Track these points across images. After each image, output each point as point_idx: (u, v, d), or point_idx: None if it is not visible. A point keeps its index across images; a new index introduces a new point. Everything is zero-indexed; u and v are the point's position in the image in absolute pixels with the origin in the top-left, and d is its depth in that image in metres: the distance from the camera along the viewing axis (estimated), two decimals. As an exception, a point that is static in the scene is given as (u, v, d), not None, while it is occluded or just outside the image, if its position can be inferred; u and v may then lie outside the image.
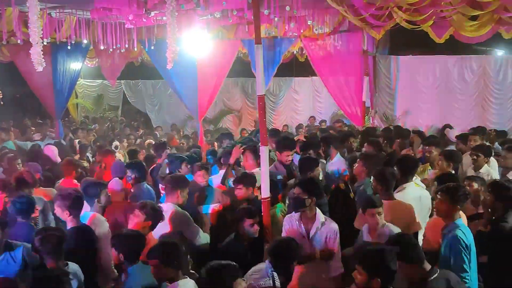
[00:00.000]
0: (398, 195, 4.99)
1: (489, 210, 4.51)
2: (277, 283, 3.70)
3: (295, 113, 15.77)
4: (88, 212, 4.80)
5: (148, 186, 5.96)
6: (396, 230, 4.28)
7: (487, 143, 7.59)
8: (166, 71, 9.57)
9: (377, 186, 4.90)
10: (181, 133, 14.43)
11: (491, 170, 6.25)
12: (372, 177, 5.13)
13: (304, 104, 15.66)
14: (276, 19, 7.89)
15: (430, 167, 6.33)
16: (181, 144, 11.06)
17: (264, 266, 3.83)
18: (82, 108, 17.97)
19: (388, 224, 4.35)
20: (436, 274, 3.42)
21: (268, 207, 4.92)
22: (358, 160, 5.94)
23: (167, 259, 3.50)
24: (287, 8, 6.99)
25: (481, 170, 6.11)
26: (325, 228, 4.41)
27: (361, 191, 5.43)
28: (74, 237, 4.21)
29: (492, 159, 6.60)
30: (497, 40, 10.46)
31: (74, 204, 4.38)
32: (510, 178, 5.85)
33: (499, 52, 12.79)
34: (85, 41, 8.99)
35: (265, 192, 4.95)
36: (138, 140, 12.17)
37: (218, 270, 3.20)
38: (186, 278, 3.54)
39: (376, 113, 11.41)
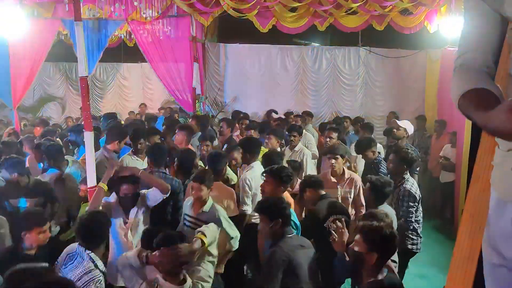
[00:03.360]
0: (247, 173, 5.27)
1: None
2: (98, 263, 3.46)
3: (124, 100, 15.15)
4: None
5: None
6: (221, 210, 4.44)
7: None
8: (-31, 51, 8.41)
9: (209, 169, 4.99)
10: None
11: (303, 147, 7.01)
12: None
13: (134, 91, 15.13)
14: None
15: None
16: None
17: (75, 251, 3.51)
18: None
19: (216, 205, 4.45)
20: (292, 235, 3.77)
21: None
22: None
23: None
24: (111, -14, 6.61)
25: (295, 148, 6.78)
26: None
27: None
28: None
29: (306, 133, 7.60)
30: (314, 32, 11.41)
31: None
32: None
33: (316, 44, 13.99)
34: None
35: (91, 181, 4.64)
36: None
37: (17, 276, 2.85)
38: None
39: (207, 99, 11.57)
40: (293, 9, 9.65)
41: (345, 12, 9.71)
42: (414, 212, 5.05)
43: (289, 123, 8.57)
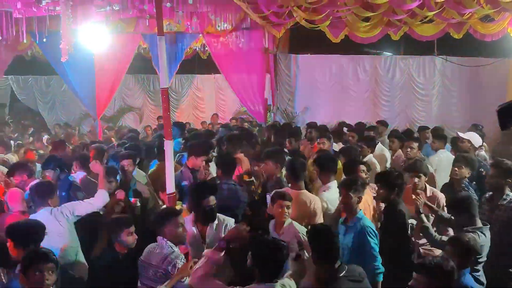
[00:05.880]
0: (324, 195, 5.00)
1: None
2: (175, 249, 3.78)
3: (198, 110, 15.67)
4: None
5: None
6: (302, 228, 4.30)
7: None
8: (60, 66, 9.07)
9: (288, 177, 4.95)
10: (77, 131, 13.63)
11: (373, 159, 6.74)
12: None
13: (207, 102, 15.62)
14: (179, 13, 7.74)
15: None
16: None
17: (156, 244, 3.84)
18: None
19: (295, 223, 4.33)
20: (344, 272, 3.41)
21: (174, 203, 4.80)
22: (266, 158, 5.70)
23: None
24: (190, 1, 6.91)
25: (365, 159, 6.52)
26: (219, 228, 4.28)
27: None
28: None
29: (384, 148, 7.27)
30: (386, 41, 11.24)
31: None
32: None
33: (388, 53, 13.74)
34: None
35: (169, 188, 4.83)
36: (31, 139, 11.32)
37: None
38: None
39: (278, 110, 11.69)
40: (366, 19, 9.55)
41: (420, 21, 9.47)
42: None
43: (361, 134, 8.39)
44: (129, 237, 4.00)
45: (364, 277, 3.53)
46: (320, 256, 3.44)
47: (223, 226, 4.30)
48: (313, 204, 4.71)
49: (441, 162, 6.75)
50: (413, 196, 4.91)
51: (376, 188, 4.95)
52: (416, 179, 5.16)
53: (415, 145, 6.60)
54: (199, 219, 4.28)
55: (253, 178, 5.71)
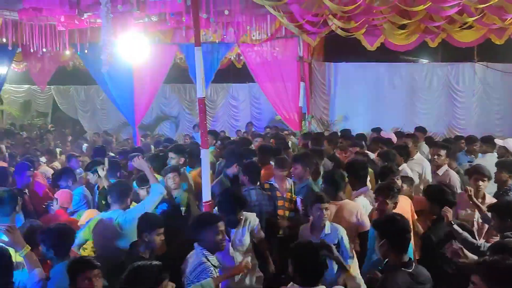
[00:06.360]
0: (358, 201, 4.94)
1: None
2: (210, 258, 3.73)
3: (233, 119, 15.79)
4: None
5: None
6: (341, 228, 4.27)
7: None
8: (100, 76, 9.33)
9: (327, 189, 4.85)
10: (114, 139, 13.96)
11: (407, 168, 6.54)
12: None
13: (242, 110, 15.72)
14: (213, 22, 7.81)
15: None
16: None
17: (194, 250, 3.81)
18: (8, 114, 17.08)
19: (334, 224, 4.30)
20: (410, 269, 3.34)
21: (210, 210, 4.86)
22: (295, 162, 5.73)
23: None
24: (226, 12, 7.00)
25: (399, 168, 6.34)
26: (243, 225, 4.38)
27: (307, 191, 5.33)
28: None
29: (423, 159, 7.09)
30: (423, 49, 11.05)
31: None
32: (440, 174, 6.24)
33: (425, 60, 13.51)
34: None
35: (206, 196, 4.90)
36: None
37: (137, 272, 2.98)
38: None
39: (313, 118, 11.64)
40: (402, 26, 9.40)
41: (459, 27, 9.25)
42: None
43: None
44: (157, 237, 4.01)
45: (428, 283, 3.39)
46: (393, 245, 3.36)
47: (248, 223, 4.42)
48: (359, 211, 4.65)
49: (487, 164, 6.56)
50: (471, 201, 4.80)
51: None
52: (481, 182, 5.03)
53: (443, 152, 6.42)
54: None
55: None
